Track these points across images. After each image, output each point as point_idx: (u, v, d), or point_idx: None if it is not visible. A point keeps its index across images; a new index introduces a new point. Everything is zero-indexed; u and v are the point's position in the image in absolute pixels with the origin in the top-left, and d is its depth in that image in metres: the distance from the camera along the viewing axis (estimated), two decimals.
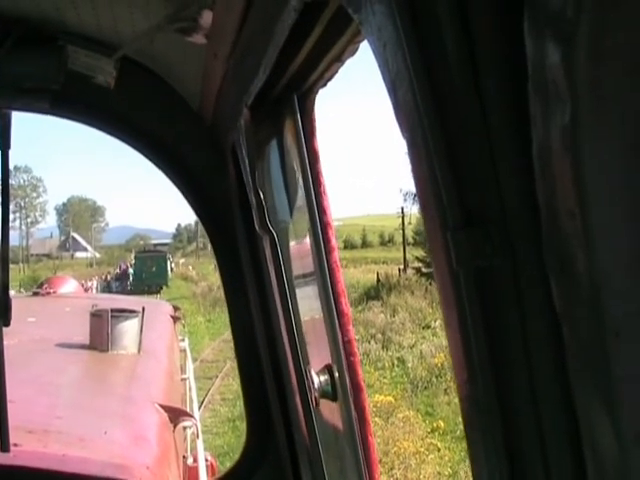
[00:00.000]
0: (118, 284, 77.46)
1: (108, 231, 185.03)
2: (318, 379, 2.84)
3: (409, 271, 62.95)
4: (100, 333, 8.08)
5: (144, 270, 74.96)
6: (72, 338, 8.58)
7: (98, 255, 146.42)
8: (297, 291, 3.19)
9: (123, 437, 5.58)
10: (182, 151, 3.69)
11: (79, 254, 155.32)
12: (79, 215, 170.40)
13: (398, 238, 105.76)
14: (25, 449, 4.43)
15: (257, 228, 3.04)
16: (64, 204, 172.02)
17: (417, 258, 63.79)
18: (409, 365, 33.15)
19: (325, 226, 2.76)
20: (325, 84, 2.54)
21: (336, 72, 2.39)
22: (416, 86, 1.17)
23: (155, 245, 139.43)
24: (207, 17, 2.61)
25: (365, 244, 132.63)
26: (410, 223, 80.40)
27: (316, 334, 3.15)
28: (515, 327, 1.10)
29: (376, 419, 23.60)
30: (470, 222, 1.12)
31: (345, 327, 2.77)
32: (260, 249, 3.36)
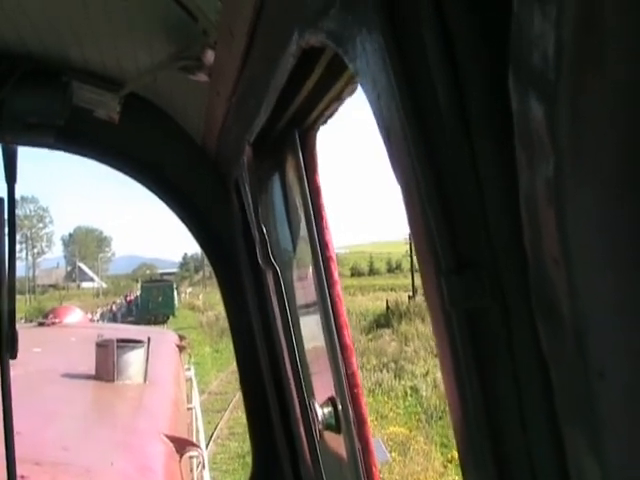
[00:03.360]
0: (125, 314, 76.77)
1: (114, 261, 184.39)
2: (322, 411, 2.85)
3: (418, 298, 62.56)
4: (106, 363, 8.11)
5: (150, 300, 73.91)
6: (78, 368, 8.60)
7: (105, 285, 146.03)
8: (301, 324, 3.22)
9: (129, 468, 5.59)
10: (186, 185, 3.72)
11: (85, 284, 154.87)
12: (85, 245, 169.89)
13: (405, 265, 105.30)
14: None
15: (260, 262, 3.07)
16: (70, 234, 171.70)
17: None
18: (423, 394, 32.32)
19: (327, 260, 2.79)
20: (326, 121, 2.58)
21: (336, 110, 2.43)
22: (409, 136, 1.21)
23: (162, 275, 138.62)
24: (210, 56, 2.66)
25: (372, 271, 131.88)
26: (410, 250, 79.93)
27: (320, 366, 3.17)
28: (505, 367, 1.14)
29: (393, 454, 23.14)
30: (462, 267, 1.16)
31: (348, 359, 2.79)
32: (264, 281, 3.39)
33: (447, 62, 1.11)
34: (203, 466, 8.82)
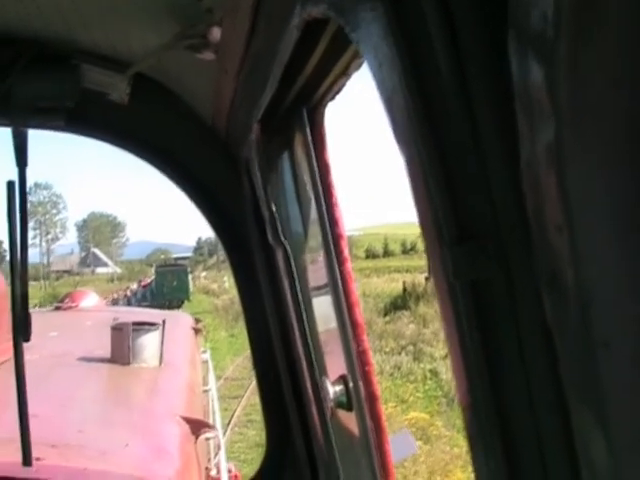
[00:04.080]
0: (140, 299, 76.42)
1: (129, 246, 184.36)
2: (333, 389, 2.85)
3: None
4: (121, 346, 8.12)
5: (165, 284, 73.57)
6: (93, 352, 8.63)
7: (119, 270, 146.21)
8: (313, 302, 3.21)
9: (144, 450, 5.61)
10: (197, 165, 3.72)
11: (100, 269, 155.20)
12: (99, 231, 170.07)
13: (420, 246, 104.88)
14: (47, 463, 4.47)
15: (270, 241, 3.06)
16: (84, 220, 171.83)
17: None
18: (442, 377, 31.40)
19: (337, 237, 2.77)
20: (333, 97, 2.56)
21: (344, 85, 2.41)
22: (411, 105, 1.19)
23: (176, 259, 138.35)
24: (216, 34, 2.64)
25: (387, 253, 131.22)
26: None
27: (332, 345, 3.17)
28: (510, 337, 1.13)
29: (419, 442, 21.95)
30: (465, 237, 1.15)
31: (359, 337, 2.79)
32: (275, 261, 3.38)
33: (447, 27, 1.10)
34: (219, 447, 8.84)
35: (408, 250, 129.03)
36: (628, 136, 0.82)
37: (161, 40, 2.98)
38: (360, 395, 2.75)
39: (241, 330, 46.41)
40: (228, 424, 25.21)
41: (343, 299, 2.78)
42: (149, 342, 8.30)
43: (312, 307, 3.20)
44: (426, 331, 39.63)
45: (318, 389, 3.00)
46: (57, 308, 13.11)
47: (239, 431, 26.55)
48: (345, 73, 2.28)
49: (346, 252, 2.82)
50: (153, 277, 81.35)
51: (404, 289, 55.26)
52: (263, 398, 3.90)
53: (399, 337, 39.32)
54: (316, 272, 3.14)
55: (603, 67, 0.80)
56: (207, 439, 8.27)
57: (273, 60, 2.27)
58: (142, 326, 8.29)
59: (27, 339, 3.49)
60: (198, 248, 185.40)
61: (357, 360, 2.78)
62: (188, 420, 6.74)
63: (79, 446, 5.28)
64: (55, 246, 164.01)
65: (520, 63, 0.90)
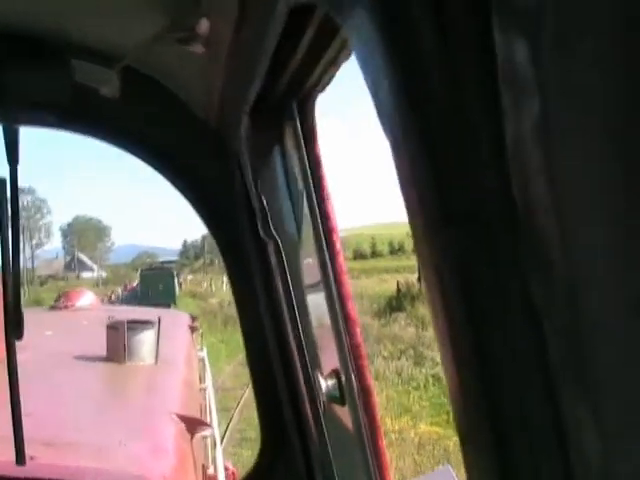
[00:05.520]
0: (124, 303, 74.73)
1: (114, 250, 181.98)
2: (325, 383, 2.83)
3: None
4: (117, 345, 8.14)
5: (150, 288, 70.85)
6: (89, 350, 8.64)
7: (104, 274, 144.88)
8: (306, 296, 3.19)
9: (140, 448, 5.60)
10: (189, 159, 3.69)
11: (85, 274, 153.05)
12: (84, 235, 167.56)
13: (408, 246, 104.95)
14: (41, 461, 4.45)
15: (261, 235, 3.04)
16: (69, 224, 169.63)
17: None
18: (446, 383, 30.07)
19: (329, 231, 2.75)
20: (323, 89, 2.54)
21: (333, 76, 2.39)
22: (394, 87, 1.17)
23: (162, 263, 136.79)
24: (204, 25, 2.62)
25: (375, 253, 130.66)
26: None
27: (325, 340, 3.15)
28: (499, 323, 1.11)
29: (440, 466, 19.89)
30: (452, 222, 1.12)
31: (352, 330, 2.77)
32: (267, 255, 3.37)
33: (431, 5, 1.08)
34: (215, 445, 8.84)
35: (396, 250, 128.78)
36: (618, 111, 0.80)
37: (149, 33, 2.96)
38: (353, 389, 2.73)
39: (231, 335, 42.95)
40: (222, 439, 22.62)
41: (336, 293, 2.76)
42: (145, 340, 8.31)
43: (305, 301, 3.18)
44: (426, 334, 37.65)
45: (311, 384, 2.98)
46: (52, 307, 13.13)
47: (233, 451, 22.90)
48: (334, 63, 2.25)
49: (338, 246, 2.80)
50: (138, 281, 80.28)
51: (398, 290, 53.92)
52: (257, 392, 3.88)
53: (397, 341, 37.76)
54: (308, 266, 3.12)
55: (590, 39, 0.78)
56: (204, 437, 8.26)
57: (260, 50, 2.24)
58: (137, 324, 8.30)
59: (19, 337, 3.46)
60: (184, 251, 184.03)
61: (350, 354, 2.75)
62: (184, 418, 6.74)
63: (74, 444, 5.28)
64: (40, 251, 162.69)
65: (504, 39, 0.88)
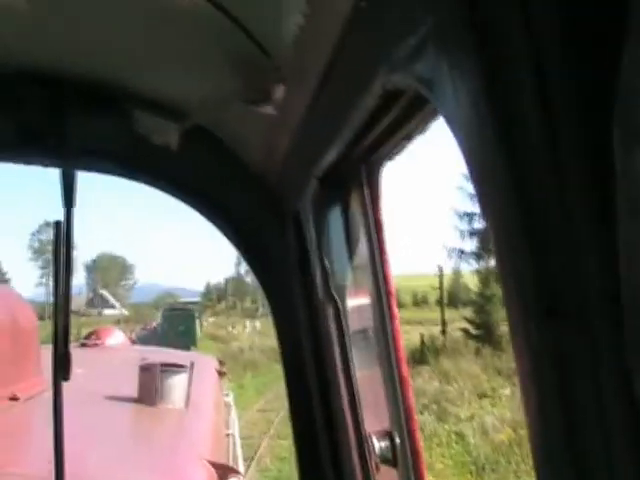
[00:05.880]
0: (144, 342, 72.88)
1: (137, 289, 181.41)
2: (379, 444, 2.86)
3: (455, 333, 60.76)
4: (149, 387, 8.15)
5: (171, 328, 69.37)
6: (120, 391, 8.65)
7: (126, 312, 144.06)
8: (355, 356, 3.22)
9: None
10: (244, 216, 3.74)
11: (107, 311, 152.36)
12: (108, 272, 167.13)
13: (430, 298, 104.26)
14: None
15: (320, 295, 3.08)
16: (93, 261, 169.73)
17: (466, 319, 61.80)
18: (470, 442, 28.44)
19: (387, 294, 2.80)
20: (393, 157, 2.61)
21: (405, 147, 2.45)
22: (499, 177, 1.22)
23: (185, 304, 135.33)
24: (279, 90, 2.69)
25: (398, 304, 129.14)
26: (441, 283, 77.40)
27: (370, 399, 3.17)
28: (596, 417, 1.12)
29: None
30: (553, 311, 1.16)
31: (405, 392, 2.80)
32: (319, 313, 3.40)
33: (543, 109, 1.13)
34: None
35: (419, 302, 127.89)
36: None
37: (219, 92, 3.03)
38: (406, 451, 2.75)
39: (250, 381, 44.20)
40: None
41: (392, 353, 2.80)
42: (177, 383, 8.32)
43: (358, 363, 3.21)
44: (450, 388, 37.20)
45: (362, 443, 3.00)
46: (83, 345, 13.17)
47: None
48: (410, 136, 2.32)
49: (395, 309, 2.85)
50: (159, 320, 78.29)
51: (422, 342, 53.54)
52: (298, 450, 3.89)
53: (420, 394, 35.57)
54: (362, 326, 3.15)
55: None
56: None
57: (343, 122, 2.31)
58: (170, 367, 8.31)
59: (67, 378, 3.50)
60: (207, 293, 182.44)
61: (403, 415, 2.78)
62: (214, 464, 6.73)
63: None
64: None
65: (625, 153, 0.93)
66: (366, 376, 3.18)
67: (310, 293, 3.33)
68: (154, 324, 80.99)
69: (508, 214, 1.23)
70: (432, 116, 2.06)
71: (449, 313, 65.40)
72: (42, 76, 3.13)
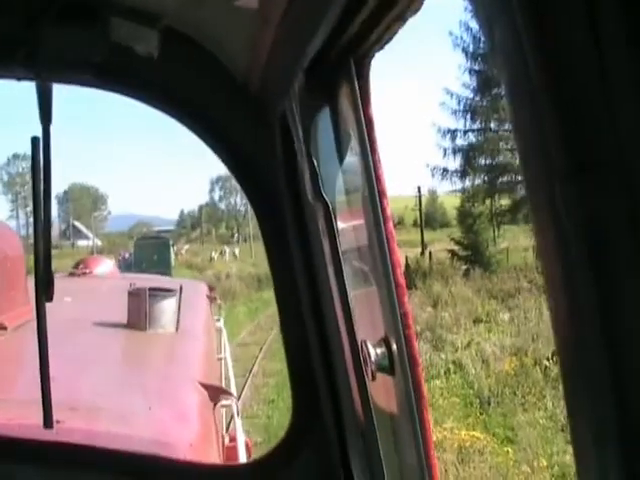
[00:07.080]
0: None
1: (111, 219, 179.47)
2: (375, 352, 2.75)
3: (439, 254, 60.82)
4: (138, 312, 8.09)
5: (144, 258, 68.22)
6: (109, 317, 8.61)
7: (100, 243, 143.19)
8: (348, 261, 3.12)
9: (166, 415, 5.58)
10: (226, 123, 3.62)
11: (81, 242, 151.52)
12: (80, 203, 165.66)
13: (407, 220, 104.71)
14: (69, 426, 4.42)
15: (310, 198, 2.96)
16: (65, 192, 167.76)
17: (453, 239, 61.75)
18: (471, 372, 27.13)
19: (380, 195, 2.66)
20: (383, 47, 2.43)
21: (396, 32, 2.27)
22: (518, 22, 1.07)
23: (158, 232, 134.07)
24: None
25: None
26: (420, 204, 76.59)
27: (366, 307, 3.08)
28: (636, 291, 0.98)
29: None
30: (582, 168, 1.01)
31: (401, 299, 2.69)
32: (310, 221, 3.29)
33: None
34: (237, 415, 8.82)
35: (395, 224, 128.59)
36: None
37: None
38: (404, 358, 2.65)
39: (230, 312, 41.05)
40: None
41: (386, 259, 2.67)
42: (166, 308, 8.27)
43: (350, 267, 3.10)
44: (444, 315, 36.18)
45: (357, 352, 2.91)
46: (71, 274, 13.10)
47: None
48: (401, 17, 2.14)
49: (388, 211, 2.71)
50: (131, 250, 78.06)
51: (407, 265, 52.06)
52: (290, 361, 3.81)
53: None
54: (355, 230, 3.04)
55: None
56: (223, 406, 8.23)
57: (328, 7, 2.14)
58: (159, 292, 8.25)
59: (50, 299, 3.40)
60: (181, 221, 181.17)
61: (399, 322, 2.68)
62: (206, 387, 6.71)
63: (99, 409, 5.25)
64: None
65: None
66: (364, 285, 3.09)
67: (299, 196, 3.22)
68: (127, 254, 79.99)
69: (527, 59, 1.07)
70: None
71: (427, 235, 65.15)
72: None
